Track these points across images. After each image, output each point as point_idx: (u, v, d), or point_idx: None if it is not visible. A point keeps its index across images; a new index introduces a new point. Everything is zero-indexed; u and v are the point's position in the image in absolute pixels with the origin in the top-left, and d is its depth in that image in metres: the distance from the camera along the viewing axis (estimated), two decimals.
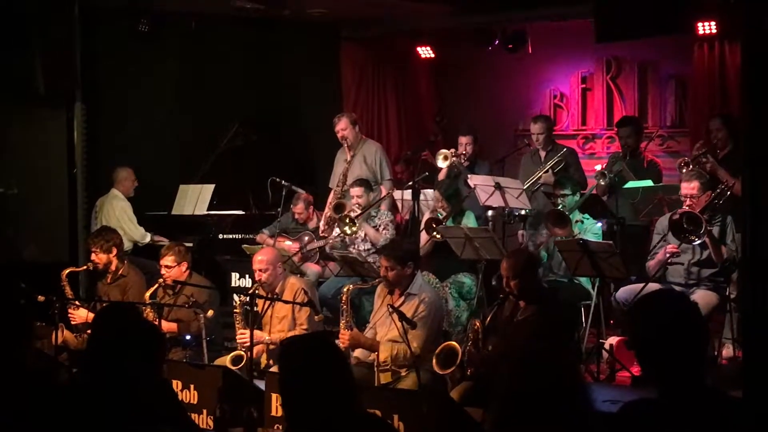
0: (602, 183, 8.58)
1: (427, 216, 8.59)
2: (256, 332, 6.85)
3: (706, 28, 9.45)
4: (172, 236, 9.48)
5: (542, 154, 9.27)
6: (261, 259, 7.16)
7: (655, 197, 8.02)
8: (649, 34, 8.88)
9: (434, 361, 6.21)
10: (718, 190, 7.15)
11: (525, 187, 8.77)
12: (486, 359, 6.04)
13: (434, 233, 8.23)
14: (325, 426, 3.14)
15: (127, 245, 9.16)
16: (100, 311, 6.11)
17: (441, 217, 8.39)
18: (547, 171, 9.00)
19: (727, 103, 9.69)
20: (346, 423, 3.16)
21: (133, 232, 9.41)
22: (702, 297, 6.88)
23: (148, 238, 9.51)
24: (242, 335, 6.88)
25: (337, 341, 6.55)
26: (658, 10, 8.34)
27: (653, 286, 6.97)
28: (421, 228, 8.38)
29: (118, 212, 9.40)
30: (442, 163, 9.36)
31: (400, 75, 11.92)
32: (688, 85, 10.54)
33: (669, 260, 7.23)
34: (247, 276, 9.06)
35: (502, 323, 6.20)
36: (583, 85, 11.19)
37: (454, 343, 6.35)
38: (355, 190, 8.70)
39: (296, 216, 9.50)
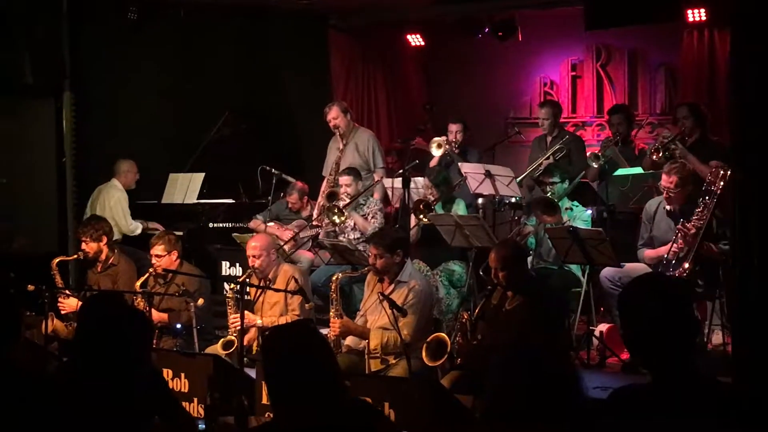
0: (594, 166, 8.61)
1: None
2: (249, 315, 6.87)
3: (696, 15, 9.48)
4: (162, 225, 9.47)
5: (548, 139, 9.29)
6: (254, 245, 7.17)
7: (645, 184, 8.04)
8: (638, 21, 8.88)
9: (423, 353, 6.21)
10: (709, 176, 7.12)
11: (527, 172, 8.80)
12: (475, 350, 6.05)
13: (421, 216, 8.23)
14: (312, 414, 3.14)
15: (117, 235, 9.14)
16: (86, 300, 6.11)
17: (431, 201, 8.38)
18: (548, 157, 9.00)
19: (715, 90, 9.71)
20: (334, 410, 3.16)
21: (122, 224, 9.35)
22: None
23: (138, 230, 9.44)
24: (235, 319, 6.89)
25: (327, 329, 6.57)
26: None
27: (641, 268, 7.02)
28: (412, 210, 8.38)
29: (113, 202, 9.35)
30: (436, 151, 9.37)
31: (390, 63, 11.90)
32: (677, 73, 10.56)
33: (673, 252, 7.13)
34: (237, 264, 9.07)
35: (491, 313, 6.21)
36: (573, 73, 11.20)
37: (443, 334, 6.34)
38: (344, 179, 8.70)
39: (290, 205, 9.49)
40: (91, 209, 9.28)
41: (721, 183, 6.86)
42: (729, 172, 6.87)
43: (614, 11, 8.34)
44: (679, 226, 6.93)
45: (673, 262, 6.94)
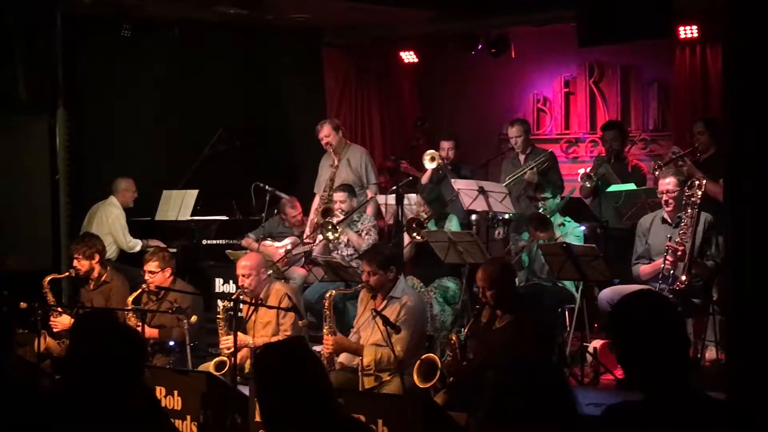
0: (587, 185, 8.62)
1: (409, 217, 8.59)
2: (241, 335, 6.83)
3: (688, 32, 9.54)
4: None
5: (521, 158, 9.27)
6: (245, 264, 7.15)
7: (638, 200, 8.05)
8: (631, 38, 8.90)
9: (414, 374, 6.17)
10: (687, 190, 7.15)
11: (506, 182, 8.80)
12: (466, 369, 6.03)
13: (415, 234, 8.23)
14: (305, 431, 3.13)
15: (113, 253, 9.12)
16: (78, 318, 6.09)
17: (423, 219, 8.38)
18: (532, 168, 8.98)
19: (709, 107, 9.74)
20: (327, 428, 3.15)
21: (121, 241, 9.32)
22: None
23: (138, 247, 9.39)
24: (226, 341, 6.87)
25: (320, 347, 6.55)
26: (640, 14, 8.36)
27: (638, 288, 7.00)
28: (404, 229, 8.39)
29: (111, 219, 9.31)
30: (429, 164, 9.36)
31: (383, 80, 11.92)
32: (670, 89, 10.59)
33: (666, 268, 7.13)
34: (231, 281, 9.05)
35: (481, 332, 6.19)
36: (566, 90, 11.23)
37: (433, 355, 6.32)
38: (338, 195, 8.69)
39: (291, 218, 9.46)
40: (88, 226, 9.24)
41: (699, 192, 6.92)
42: (705, 182, 6.94)
43: (607, 28, 8.35)
44: (669, 243, 6.95)
45: (669, 278, 6.96)
